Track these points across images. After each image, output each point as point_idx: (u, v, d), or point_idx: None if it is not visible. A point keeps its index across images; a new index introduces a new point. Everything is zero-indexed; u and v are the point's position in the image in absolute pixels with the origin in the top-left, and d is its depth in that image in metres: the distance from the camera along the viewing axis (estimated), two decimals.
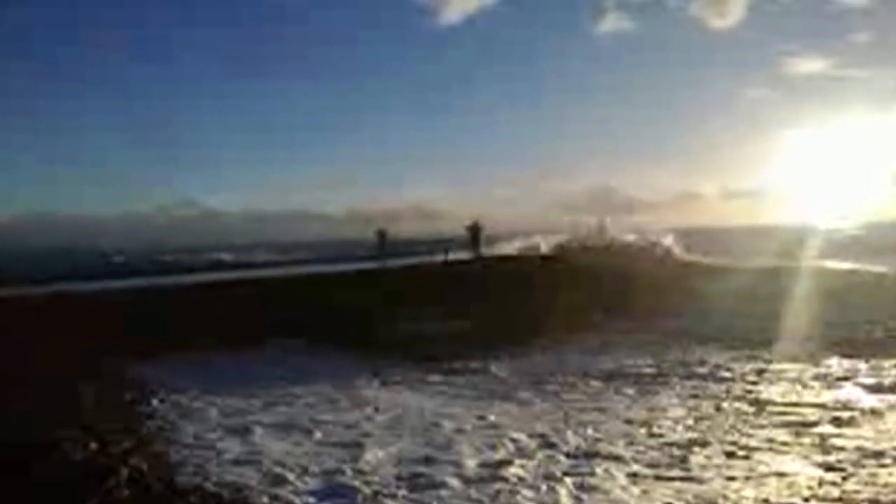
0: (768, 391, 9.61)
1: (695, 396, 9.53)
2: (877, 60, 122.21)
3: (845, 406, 8.51)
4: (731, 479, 5.99)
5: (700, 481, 5.96)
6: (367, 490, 5.81)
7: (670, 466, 6.43)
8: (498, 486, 5.93)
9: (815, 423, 7.73)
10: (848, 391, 9.46)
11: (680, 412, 8.60)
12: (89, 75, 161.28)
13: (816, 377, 10.35)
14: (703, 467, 6.35)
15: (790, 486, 5.75)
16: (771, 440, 7.17)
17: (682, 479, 6.05)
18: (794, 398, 9.12)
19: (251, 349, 13.60)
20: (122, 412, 8.68)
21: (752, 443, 7.09)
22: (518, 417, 8.66)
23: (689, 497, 5.55)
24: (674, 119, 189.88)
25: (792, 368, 11.05)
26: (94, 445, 6.49)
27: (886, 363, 11.04)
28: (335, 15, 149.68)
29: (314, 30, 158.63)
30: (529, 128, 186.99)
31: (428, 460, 6.71)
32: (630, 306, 17.78)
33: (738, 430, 7.62)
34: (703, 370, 11.32)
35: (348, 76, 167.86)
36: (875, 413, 8.13)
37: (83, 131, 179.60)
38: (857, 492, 5.56)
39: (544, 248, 28.97)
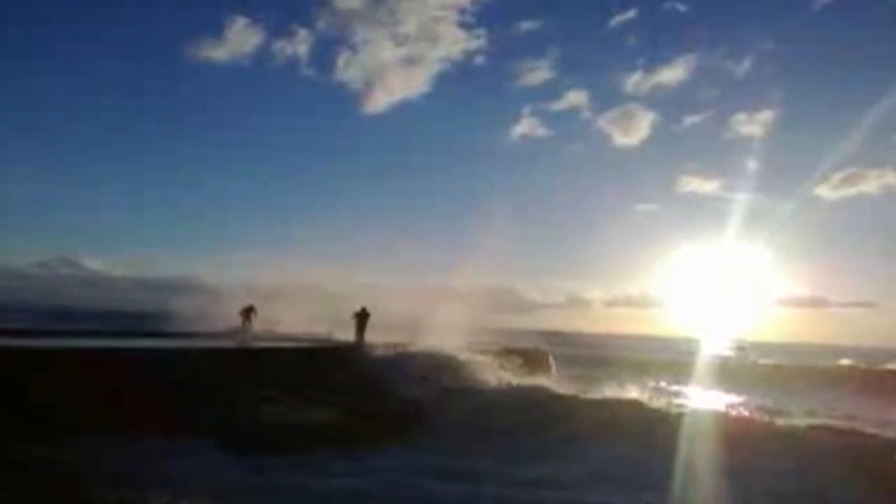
0: None
1: None
2: (763, 186, 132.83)
3: None
4: None
5: None
6: None
7: None
8: None
9: None
10: None
11: None
12: None
13: None
14: None
15: None
16: None
17: None
18: None
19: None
20: None
21: None
22: None
23: None
24: (571, 225, 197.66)
25: None
26: None
27: None
28: (259, 91, 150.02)
29: (237, 103, 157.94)
30: (438, 222, 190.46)
31: None
32: None
33: None
34: None
35: (271, 147, 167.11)
36: None
37: None
38: None
39: None
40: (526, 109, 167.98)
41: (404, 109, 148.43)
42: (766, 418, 17.60)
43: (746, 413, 19.48)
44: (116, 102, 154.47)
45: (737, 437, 14.77)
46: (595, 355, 40.23)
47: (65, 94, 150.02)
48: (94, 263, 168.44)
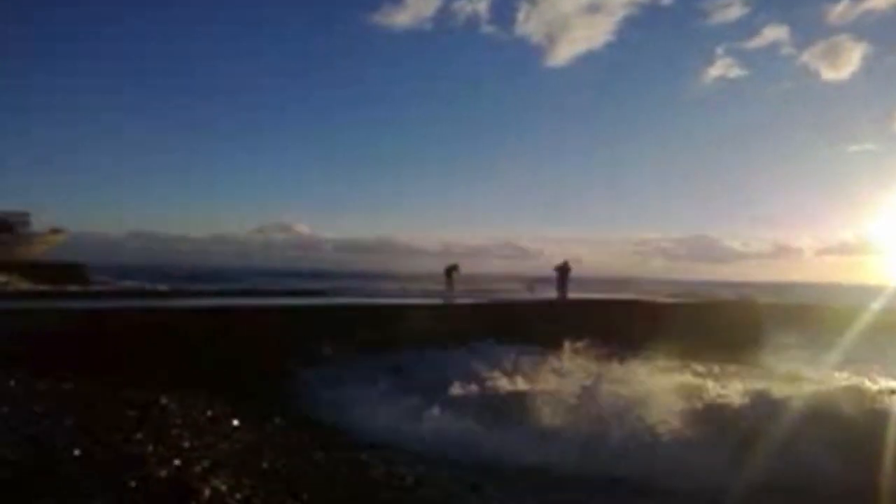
0: None
1: None
2: None
3: None
4: None
5: None
6: None
7: None
8: None
9: None
10: None
11: None
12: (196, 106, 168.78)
13: None
14: None
15: None
16: None
17: None
18: None
19: None
20: (199, 429, 8.61)
21: None
22: None
23: None
24: (776, 170, 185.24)
25: None
26: (177, 462, 6.37)
27: None
28: (449, 51, 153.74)
29: (428, 66, 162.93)
30: (631, 172, 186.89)
31: None
32: None
33: None
34: None
35: (458, 108, 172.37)
36: None
37: (186, 149, 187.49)
38: None
39: None
40: (720, 49, 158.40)
41: (589, 60, 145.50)
42: None
43: None
44: (308, 74, 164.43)
45: None
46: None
47: (263, 71, 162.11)
48: (304, 228, 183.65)
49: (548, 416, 11.60)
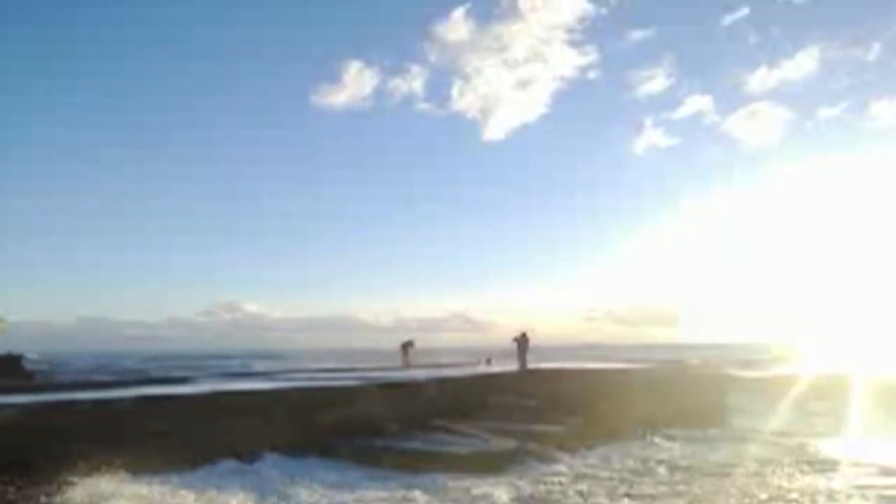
0: None
1: None
2: None
3: None
4: None
5: None
6: None
7: None
8: None
9: None
10: None
11: None
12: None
13: None
14: None
15: None
16: None
17: None
18: None
19: None
20: None
21: None
22: None
23: None
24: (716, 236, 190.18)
25: None
26: None
27: None
28: (383, 126, 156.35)
29: (361, 142, 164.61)
30: (567, 243, 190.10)
31: None
32: None
33: None
34: None
35: (396, 185, 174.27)
36: None
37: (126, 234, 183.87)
38: None
39: None
40: (648, 120, 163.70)
41: (524, 133, 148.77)
42: None
43: None
44: (255, 155, 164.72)
45: None
46: None
47: (206, 149, 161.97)
48: (253, 307, 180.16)
49: None
